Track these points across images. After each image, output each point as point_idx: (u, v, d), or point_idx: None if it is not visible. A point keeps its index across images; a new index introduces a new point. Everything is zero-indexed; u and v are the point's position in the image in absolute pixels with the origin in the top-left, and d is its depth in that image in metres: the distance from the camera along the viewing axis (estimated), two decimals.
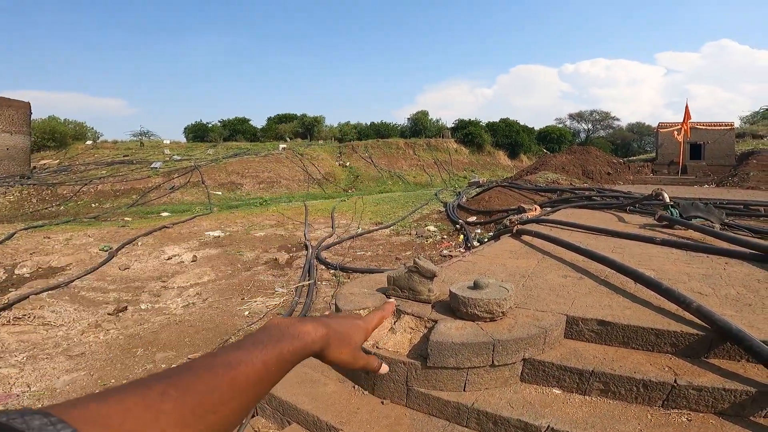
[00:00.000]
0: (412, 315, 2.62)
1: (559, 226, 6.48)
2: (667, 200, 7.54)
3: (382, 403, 2.36)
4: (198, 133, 40.11)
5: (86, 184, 20.36)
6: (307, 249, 8.21)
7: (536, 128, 46.39)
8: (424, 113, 43.06)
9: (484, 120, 41.48)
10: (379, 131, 40.75)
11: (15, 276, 7.04)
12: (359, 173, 28.10)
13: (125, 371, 3.96)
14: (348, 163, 29.39)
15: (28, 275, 7.07)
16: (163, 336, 4.78)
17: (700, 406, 1.91)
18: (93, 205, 18.69)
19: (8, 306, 5.33)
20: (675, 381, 1.96)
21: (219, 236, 9.74)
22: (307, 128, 40.43)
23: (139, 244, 9.22)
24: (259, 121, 45.95)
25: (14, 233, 10.02)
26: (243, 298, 5.85)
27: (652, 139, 46.23)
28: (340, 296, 3.04)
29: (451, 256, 8.09)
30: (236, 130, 40.63)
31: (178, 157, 26.13)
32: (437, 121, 43.20)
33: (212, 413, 0.38)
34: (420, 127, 41.02)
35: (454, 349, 2.17)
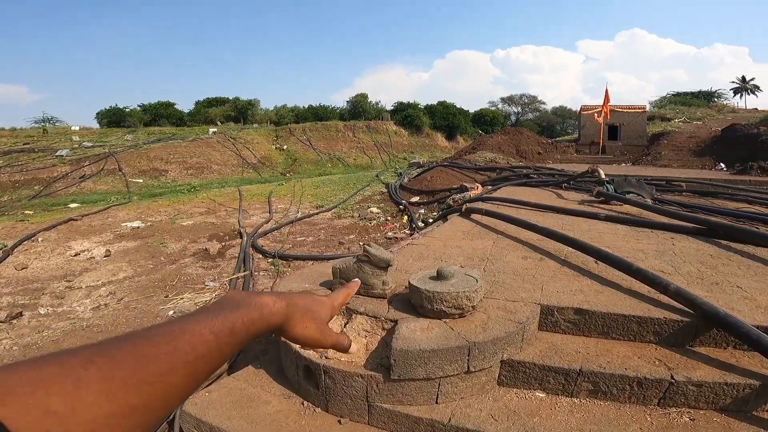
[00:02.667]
0: (366, 315, 2.21)
1: (505, 203, 6.37)
2: (603, 176, 7.71)
3: (340, 422, 1.95)
4: (114, 118, 36.05)
5: None
6: (241, 237, 7.51)
7: (471, 111, 47.40)
8: (364, 96, 42.22)
9: (422, 103, 41.59)
10: (318, 114, 39.40)
11: None
12: (297, 156, 26.97)
13: None
14: (285, 147, 28.08)
15: None
16: (66, 345, 4.00)
17: (700, 402, 1.71)
18: None
19: None
20: (672, 377, 1.74)
21: (138, 227, 8.69)
22: (240, 112, 38.06)
23: (40, 239, 7.98)
24: (186, 106, 42.60)
25: None
26: (167, 296, 5.12)
27: (573, 121, 49.71)
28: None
29: (397, 238, 7.79)
30: (159, 114, 37.11)
31: (90, 144, 23.33)
32: (377, 103, 42.56)
33: (148, 384, 0.34)
34: (359, 109, 40.13)
35: (423, 357, 1.79)
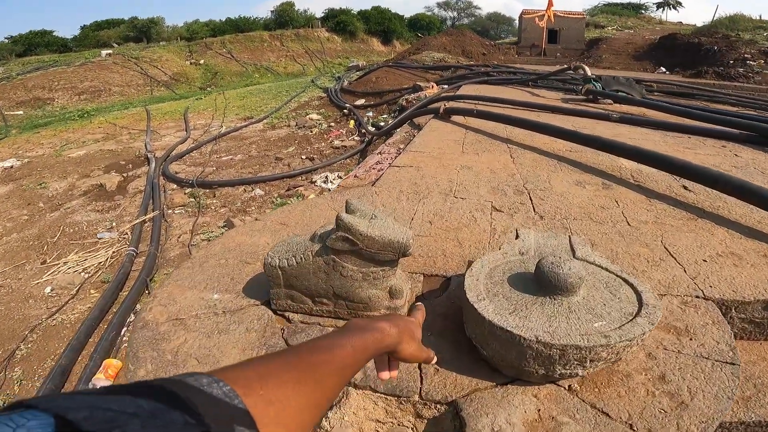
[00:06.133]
0: (371, 389, 1.05)
1: (484, 102, 5.18)
2: (589, 74, 6.86)
3: None
4: None
5: None
6: (149, 163, 5.87)
7: (406, 16, 45.05)
8: (290, 4, 38.39)
9: (355, 9, 38.75)
10: (238, 26, 35.34)
11: None
12: (218, 70, 23.66)
13: None
14: (202, 61, 24.45)
15: None
16: None
17: None
18: None
19: None
20: None
21: (12, 167, 6.70)
22: (141, 32, 32.98)
23: None
24: (70, 33, 35.86)
25: None
26: (44, 261, 3.64)
27: (507, 27, 51.82)
28: (138, 341, 1.28)
29: (345, 146, 6.54)
30: (34, 44, 31.18)
31: None
32: (305, 12, 39.15)
33: (319, 384, 0.40)
34: (286, 18, 36.53)
35: None
